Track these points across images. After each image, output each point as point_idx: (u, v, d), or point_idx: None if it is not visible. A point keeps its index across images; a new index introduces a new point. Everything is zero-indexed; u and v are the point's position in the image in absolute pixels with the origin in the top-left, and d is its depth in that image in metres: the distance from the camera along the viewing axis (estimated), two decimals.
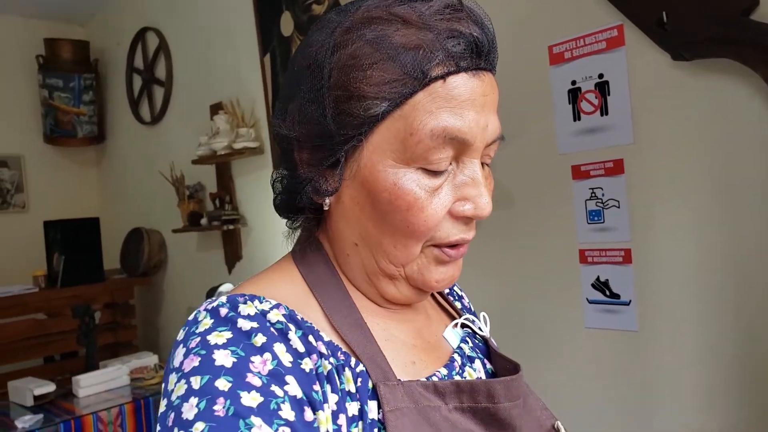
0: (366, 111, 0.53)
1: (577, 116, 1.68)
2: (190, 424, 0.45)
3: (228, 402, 0.45)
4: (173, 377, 0.49)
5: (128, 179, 4.00)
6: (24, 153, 4.06)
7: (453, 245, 0.58)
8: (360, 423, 0.52)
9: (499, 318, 1.90)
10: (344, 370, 0.54)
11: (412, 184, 0.54)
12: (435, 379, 0.59)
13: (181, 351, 0.50)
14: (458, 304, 0.78)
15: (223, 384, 0.46)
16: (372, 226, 0.57)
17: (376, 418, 0.53)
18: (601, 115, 1.63)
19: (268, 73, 2.73)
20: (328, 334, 0.56)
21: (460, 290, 0.84)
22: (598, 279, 1.66)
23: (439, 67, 0.52)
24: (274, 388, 0.47)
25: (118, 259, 3.72)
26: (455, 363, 0.64)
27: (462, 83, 0.53)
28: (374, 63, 0.52)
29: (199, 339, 0.50)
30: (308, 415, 0.48)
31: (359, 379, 0.54)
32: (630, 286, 1.59)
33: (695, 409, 1.49)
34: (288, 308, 0.55)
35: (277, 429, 0.45)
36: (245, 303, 0.53)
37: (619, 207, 1.61)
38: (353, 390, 0.53)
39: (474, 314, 0.80)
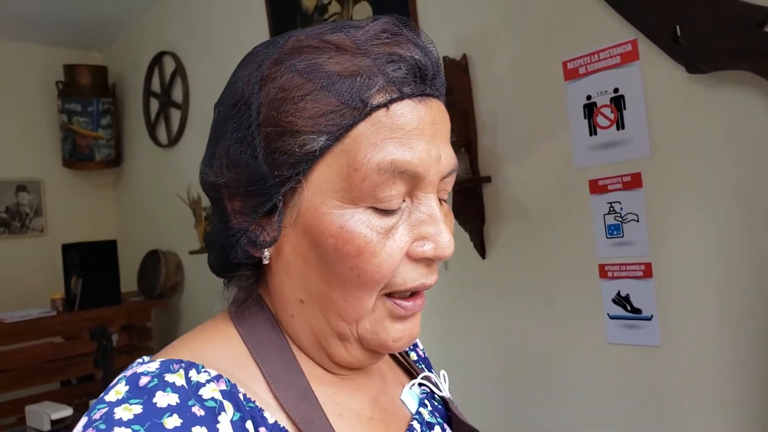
0: (302, 147, 0.47)
1: (593, 131, 1.68)
2: None
3: None
4: None
5: (145, 202, 4.03)
6: (43, 177, 4.12)
7: (411, 294, 0.52)
8: None
9: (517, 335, 1.89)
10: None
11: (362, 226, 0.48)
12: None
13: (82, 421, 0.43)
14: (413, 355, 0.72)
15: None
16: (319, 279, 0.50)
17: None
18: (618, 129, 1.63)
19: None
20: (273, 413, 0.49)
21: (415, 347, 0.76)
22: (618, 294, 1.64)
23: (380, 94, 0.47)
24: None
25: (135, 282, 3.74)
26: (415, 430, 0.58)
27: (408, 111, 0.47)
28: (307, 94, 0.47)
29: (105, 410, 0.43)
30: None
31: None
32: (651, 300, 1.58)
33: (720, 424, 1.46)
34: (230, 382, 0.48)
35: None
36: (176, 372, 0.46)
37: (638, 221, 1.60)
38: None
39: (430, 365, 0.74)
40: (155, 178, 3.88)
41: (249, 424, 0.46)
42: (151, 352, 3.63)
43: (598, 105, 1.66)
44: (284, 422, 0.49)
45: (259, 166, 0.48)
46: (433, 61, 0.50)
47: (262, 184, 0.48)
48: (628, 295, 1.62)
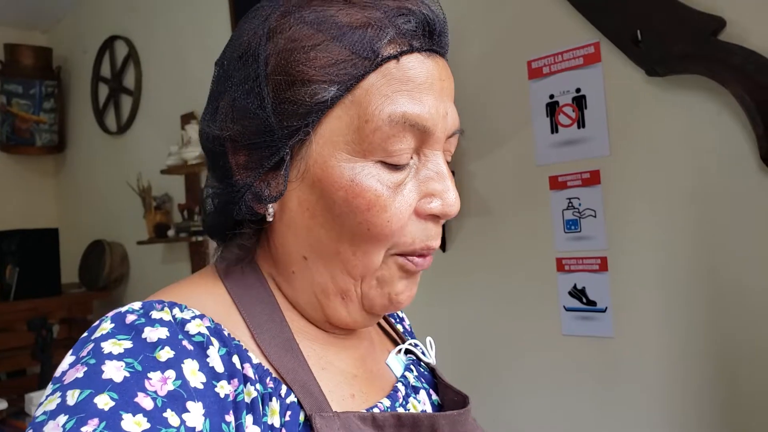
0: (312, 97, 0.46)
1: (554, 129, 1.73)
2: None
3: (102, 425, 0.36)
4: (49, 389, 0.40)
5: (89, 190, 3.89)
6: None
7: (419, 254, 0.52)
8: None
9: (476, 326, 1.93)
10: (271, 401, 0.46)
11: (372, 179, 0.47)
12: (376, 410, 0.52)
13: (68, 359, 0.42)
14: (400, 327, 0.72)
15: (103, 401, 0.37)
16: (325, 234, 0.49)
17: None
18: (578, 128, 1.69)
19: None
20: (257, 356, 0.48)
21: (401, 312, 0.77)
22: (575, 287, 1.70)
23: (391, 45, 0.47)
24: (169, 414, 0.38)
25: (76, 273, 3.60)
26: (399, 393, 0.57)
27: (417, 64, 0.48)
28: (317, 44, 0.46)
29: (92, 346, 0.42)
30: None
31: (288, 412, 0.47)
32: (606, 293, 1.64)
33: (670, 413, 1.53)
34: (213, 321, 0.48)
35: None
36: (162, 309, 0.46)
37: (595, 216, 1.66)
38: (277, 425, 0.46)
39: (414, 337, 0.75)
40: (102, 165, 3.74)
41: (235, 359, 0.46)
42: None
43: (561, 104, 1.72)
44: (267, 366, 0.48)
45: (267, 117, 0.47)
46: (440, 18, 0.50)
47: (270, 136, 0.47)
48: (584, 288, 1.68)
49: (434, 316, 2.02)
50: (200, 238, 2.85)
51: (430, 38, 0.49)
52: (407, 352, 0.65)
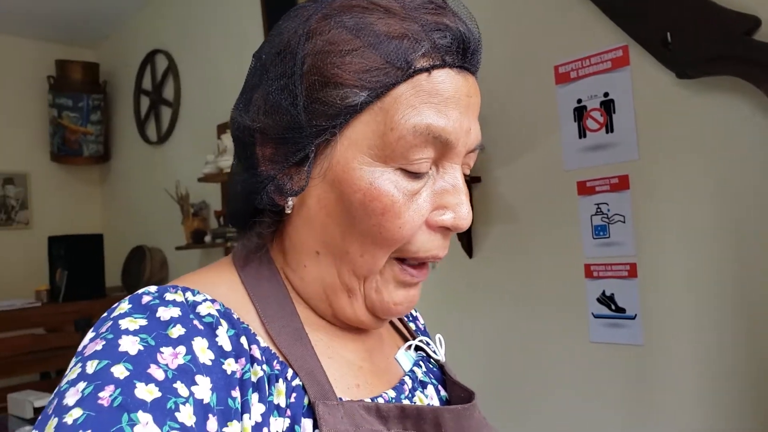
0: (343, 100, 0.47)
1: (582, 134, 1.72)
2: (67, 410, 0.38)
3: (117, 391, 0.39)
4: (72, 362, 0.43)
5: (132, 198, 4.02)
6: (30, 170, 4.10)
7: (419, 264, 0.53)
8: None
9: (502, 334, 1.91)
10: (277, 381, 0.48)
11: (390, 185, 0.49)
12: (380, 400, 0.53)
13: (89, 335, 0.45)
14: (412, 326, 0.72)
15: (119, 371, 0.40)
16: (339, 232, 0.51)
17: None
18: (607, 132, 1.67)
19: None
20: (264, 341, 0.50)
21: (415, 310, 0.77)
22: (603, 293, 1.67)
23: (424, 58, 0.48)
24: (179, 385, 0.41)
25: (119, 277, 3.73)
26: (405, 386, 0.58)
27: (447, 79, 0.49)
28: (354, 49, 0.47)
29: (110, 324, 0.44)
30: (211, 425, 0.42)
31: (293, 394, 0.48)
32: (635, 300, 1.61)
33: (700, 422, 1.49)
34: (224, 306, 0.50)
35: (167, 431, 0.38)
36: (175, 292, 0.48)
37: (624, 222, 1.63)
38: (283, 405, 0.47)
39: (428, 336, 0.74)
40: (143, 174, 3.87)
41: (243, 339, 0.48)
42: None
43: (588, 108, 1.70)
44: (275, 351, 0.50)
45: (298, 114, 0.48)
46: (475, 37, 0.51)
47: (298, 133, 0.49)
48: (612, 294, 1.66)
49: (460, 323, 2.01)
50: (236, 244, 2.91)
51: (463, 55, 0.50)
52: (417, 348, 0.65)
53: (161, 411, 0.39)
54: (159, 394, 0.40)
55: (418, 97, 0.48)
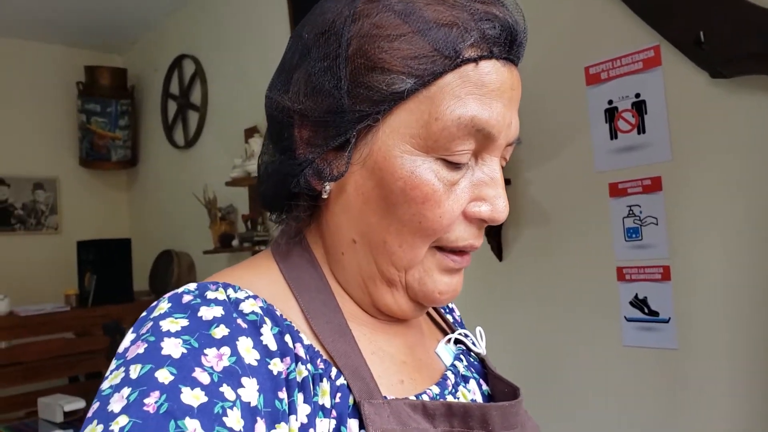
0: (389, 86, 0.46)
1: (613, 135, 1.70)
2: (113, 417, 0.37)
3: (163, 397, 0.38)
4: (113, 364, 0.42)
5: (159, 202, 4.07)
6: (59, 175, 4.17)
7: (459, 252, 0.53)
8: None
9: (533, 337, 1.90)
10: (321, 381, 0.47)
11: (431, 174, 0.48)
12: (425, 398, 0.52)
13: (129, 337, 0.44)
14: (450, 318, 0.71)
15: (163, 376, 0.39)
16: (376, 221, 0.50)
17: None
18: (638, 133, 1.65)
19: None
20: (308, 338, 0.49)
21: (451, 303, 0.75)
22: (636, 297, 1.65)
23: (472, 48, 0.47)
24: (225, 389, 0.40)
25: (146, 281, 3.77)
26: (448, 381, 0.57)
27: (493, 71, 0.48)
28: (402, 35, 0.46)
29: (150, 324, 0.44)
30: (259, 428, 0.41)
31: (338, 394, 0.47)
32: (669, 303, 1.58)
33: (736, 427, 1.46)
34: (266, 302, 0.48)
35: None
36: (216, 290, 0.47)
37: (657, 224, 1.61)
38: (327, 405, 0.46)
39: (464, 328, 0.74)
40: (171, 179, 3.92)
41: (287, 338, 0.47)
42: None
43: (620, 109, 1.68)
44: (319, 348, 0.49)
45: (341, 97, 0.47)
46: (522, 29, 0.50)
47: (340, 117, 0.48)
48: (645, 297, 1.63)
49: (490, 325, 2.00)
50: (263, 248, 2.93)
51: (510, 47, 0.49)
52: (457, 342, 0.65)
53: (208, 416, 0.38)
54: (205, 399, 0.39)
55: (464, 87, 0.47)
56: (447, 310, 0.73)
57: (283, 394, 0.43)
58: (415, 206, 0.48)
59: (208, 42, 3.51)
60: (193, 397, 0.38)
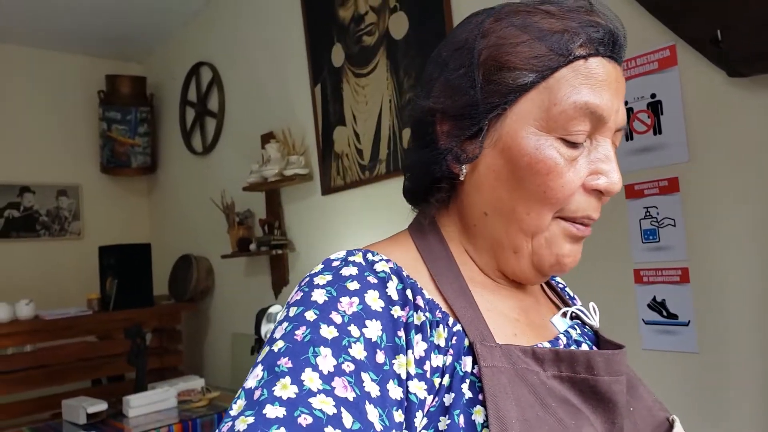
0: (515, 80, 0.57)
1: (629, 136, 1.68)
2: (275, 341, 0.51)
3: (308, 330, 0.50)
4: (284, 307, 0.56)
5: (178, 207, 4.12)
6: (82, 182, 4.25)
7: (580, 223, 0.61)
8: (445, 375, 0.54)
9: None
10: (438, 327, 0.56)
11: (552, 150, 0.57)
12: (536, 346, 0.59)
13: (295, 290, 0.57)
14: (565, 296, 0.79)
15: (310, 315, 0.52)
16: (506, 193, 0.60)
17: (470, 371, 0.54)
18: (654, 134, 1.63)
19: (318, 102, 2.81)
20: (430, 293, 0.58)
21: (561, 281, 0.85)
22: (654, 299, 1.63)
23: (581, 48, 0.57)
24: (352, 328, 0.51)
25: (166, 285, 3.81)
26: (560, 341, 0.64)
27: (600, 65, 0.58)
28: (523, 42, 0.57)
29: (307, 279, 0.57)
30: (379, 357, 0.51)
31: (454, 338, 0.56)
32: (689, 306, 1.56)
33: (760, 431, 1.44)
34: (396, 265, 0.58)
35: (342, 362, 0.49)
36: (356, 254, 0.58)
37: (674, 225, 1.59)
38: (442, 345, 0.55)
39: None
40: (189, 184, 3.96)
41: (408, 292, 0.56)
42: (181, 354, 3.69)
43: (635, 110, 1.67)
44: (439, 302, 0.58)
45: (475, 94, 0.58)
46: (621, 33, 0.60)
47: (475, 110, 0.59)
48: (664, 300, 1.61)
49: None
50: (280, 252, 2.95)
51: (612, 47, 0.59)
52: (572, 318, 0.71)
53: (338, 347, 0.50)
54: (337, 334, 0.50)
55: (577, 78, 0.57)
56: (561, 288, 0.82)
57: (401, 333, 0.53)
58: (540, 177, 0.58)
59: (224, 50, 3.55)
60: (328, 332, 0.50)
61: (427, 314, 0.56)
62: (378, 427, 0.47)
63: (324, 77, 2.78)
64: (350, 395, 0.47)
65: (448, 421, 0.52)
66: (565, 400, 0.56)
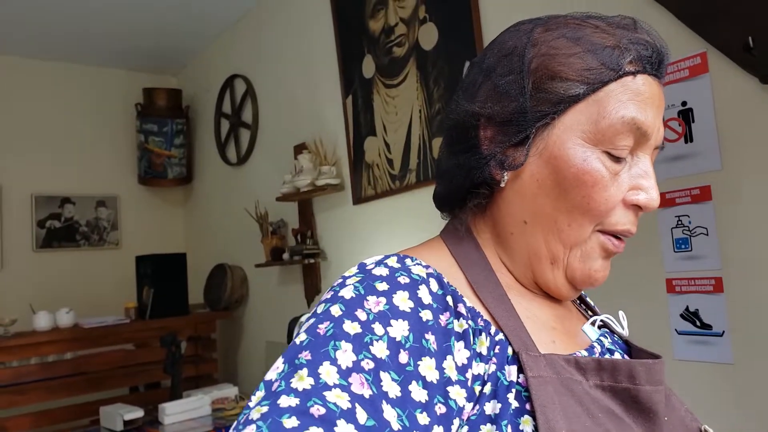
0: (566, 91, 0.58)
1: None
2: (299, 334, 0.53)
3: (331, 325, 0.51)
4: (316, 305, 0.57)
5: (213, 217, 4.20)
6: (120, 193, 4.37)
7: (618, 236, 0.62)
8: (487, 384, 0.54)
9: None
10: (480, 335, 0.55)
11: (599, 163, 0.58)
12: (577, 355, 0.59)
13: (329, 290, 0.58)
14: (591, 304, 0.81)
15: (335, 311, 0.52)
16: (549, 203, 0.60)
17: (515, 381, 0.54)
18: (686, 142, 1.62)
19: (350, 113, 2.85)
20: (470, 301, 0.58)
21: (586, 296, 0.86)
22: (687, 309, 1.61)
23: (631, 64, 0.58)
24: (376, 325, 0.51)
25: (201, 294, 3.89)
26: (595, 350, 0.64)
27: (647, 83, 0.59)
28: (575, 53, 0.58)
29: (340, 280, 0.58)
30: (403, 357, 0.50)
31: (497, 347, 0.56)
32: (723, 316, 1.54)
33: None
34: (437, 271, 0.58)
35: (361, 359, 0.49)
36: (392, 257, 0.58)
37: (707, 234, 1.57)
38: (485, 353, 0.55)
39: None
40: (224, 194, 4.04)
41: (449, 298, 0.56)
42: (215, 362, 3.76)
43: (666, 118, 1.66)
44: (480, 310, 0.58)
45: (525, 101, 0.59)
46: (667, 53, 0.62)
47: (523, 117, 0.59)
48: (697, 310, 1.59)
49: None
50: (312, 261, 2.99)
51: (658, 66, 0.61)
52: (601, 327, 0.71)
53: (359, 343, 0.49)
54: (360, 330, 0.50)
55: (625, 94, 0.58)
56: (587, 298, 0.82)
57: (429, 336, 0.52)
58: (585, 189, 0.59)
59: (258, 62, 3.63)
60: (351, 327, 0.51)
61: (470, 322, 0.56)
62: (396, 426, 0.47)
63: (355, 88, 2.82)
64: (366, 392, 0.47)
65: (496, 431, 0.52)
66: (609, 411, 0.56)
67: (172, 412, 2.70)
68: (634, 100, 0.58)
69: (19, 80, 4.07)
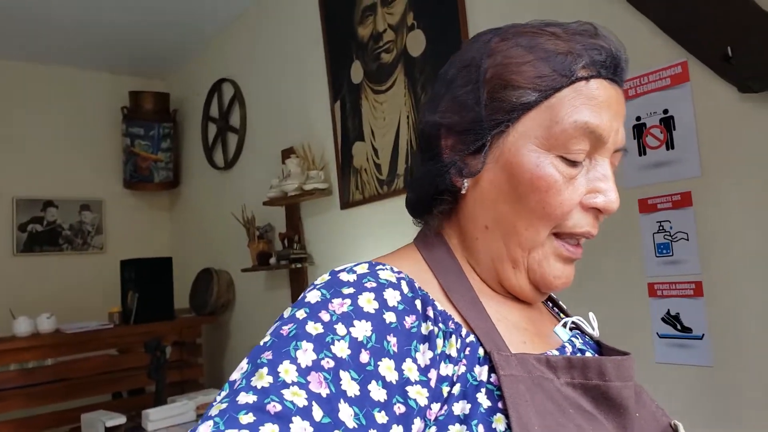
0: (518, 99, 0.59)
1: (642, 151, 1.70)
2: (263, 337, 0.54)
3: (294, 326, 0.52)
4: None
5: (199, 222, 4.19)
6: (105, 197, 4.34)
7: (576, 239, 0.63)
8: (455, 385, 0.54)
9: None
10: (450, 337, 0.56)
11: (552, 168, 0.59)
12: (548, 354, 0.60)
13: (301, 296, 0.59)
14: (564, 306, 0.81)
15: (300, 314, 0.53)
16: (507, 208, 0.61)
17: (485, 380, 0.55)
18: (667, 149, 1.65)
19: (338, 118, 2.87)
20: (442, 304, 0.59)
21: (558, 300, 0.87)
22: (668, 313, 1.64)
23: (584, 69, 0.59)
24: (338, 326, 0.52)
25: (187, 299, 3.87)
26: (566, 349, 0.65)
27: (601, 87, 0.60)
28: (528, 62, 0.59)
29: (311, 287, 0.58)
30: (363, 357, 0.51)
31: (467, 348, 0.57)
32: (702, 319, 1.57)
33: None
34: (409, 276, 0.59)
35: (322, 358, 0.49)
36: (362, 265, 0.59)
37: (688, 239, 1.60)
38: (454, 355, 0.55)
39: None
40: (210, 199, 4.03)
41: (418, 302, 0.57)
42: (201, 367, 3.73)
43: (648, 126, 1.69)
44: (452, 313, 0.59)
45: (480, 110, 0.61)
46: (623, 58, 0.62)
47: (479, 125, 0.61)
48: (678, 313, 1.62)
49: None
50: (299, 265, 2.99)
51: (614, 71, 0.61)
52: (572, 329, 0.72)
53: (320, 343, 0.50)
54: (322, 331, 0.51)
55: (578, 99, 0.59)
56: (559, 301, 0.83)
57: (391, 338, 0.53)
58: (539, 194, 0.60)
59: (246, 66, 3.63)
60: (314, 328, 0.51)
61: (440, 325, 0.56)
62: (351, 424, 0.47)
63: (343, 94, 2.84)
64: (324, 391, 0.48)
65: (466, 431, 0.52)
66: (581, 407, 0.57)
67: (156, 418, 2.67)
68: (588, 104, 0.59)
69: (2, 82, 4.04)
